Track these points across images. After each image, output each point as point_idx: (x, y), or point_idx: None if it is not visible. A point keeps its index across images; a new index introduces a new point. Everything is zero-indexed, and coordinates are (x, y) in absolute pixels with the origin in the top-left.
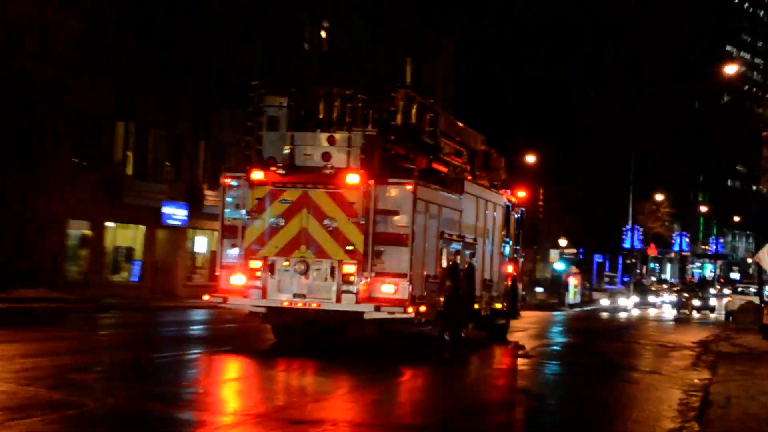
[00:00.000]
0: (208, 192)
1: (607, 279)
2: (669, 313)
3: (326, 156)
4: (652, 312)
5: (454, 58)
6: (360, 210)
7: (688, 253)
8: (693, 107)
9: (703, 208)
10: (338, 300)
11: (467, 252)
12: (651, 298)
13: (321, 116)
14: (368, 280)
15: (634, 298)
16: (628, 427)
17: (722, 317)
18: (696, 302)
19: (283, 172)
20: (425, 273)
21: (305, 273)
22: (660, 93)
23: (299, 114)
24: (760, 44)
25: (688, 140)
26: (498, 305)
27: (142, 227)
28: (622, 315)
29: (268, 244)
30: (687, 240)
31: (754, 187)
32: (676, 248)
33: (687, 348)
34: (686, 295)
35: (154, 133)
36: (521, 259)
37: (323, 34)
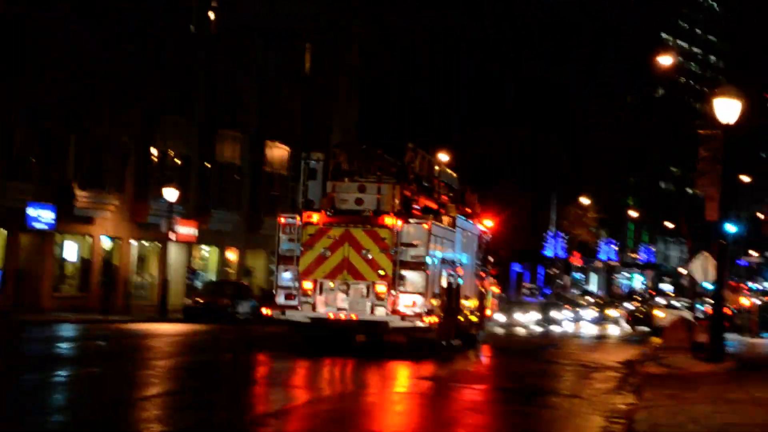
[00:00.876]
0: (79, 192)
1: (526, 291)
2: (590, 328)
3: (359, 201)
4: (557, 330)
5: (358, 49)
6: (390, 243)
7: (615, 263)
8: (624, 101)
9: (633, 214)
10: (372, 312)
11: (455, 274)
12: (554, 314)
13: (348, 167)
14: (395, 297)
15: (534, 315)
16: None
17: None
18: (611, 313)
19: (330, 213)
20: (434, 292)
21: (346, 292)
22: (592, 84)
23: (334, 166)
24: (698, 32)
25: (618, 138)
26: (474, 318)
27: (3, 231)
28: (539, 331)
29: (318, 269)
30: (615, 248)
31: (689, 191)
32: (603, 257)
33: (611, 369)
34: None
35: (18, 126)
36: (488, 278)
37: (211, 15)
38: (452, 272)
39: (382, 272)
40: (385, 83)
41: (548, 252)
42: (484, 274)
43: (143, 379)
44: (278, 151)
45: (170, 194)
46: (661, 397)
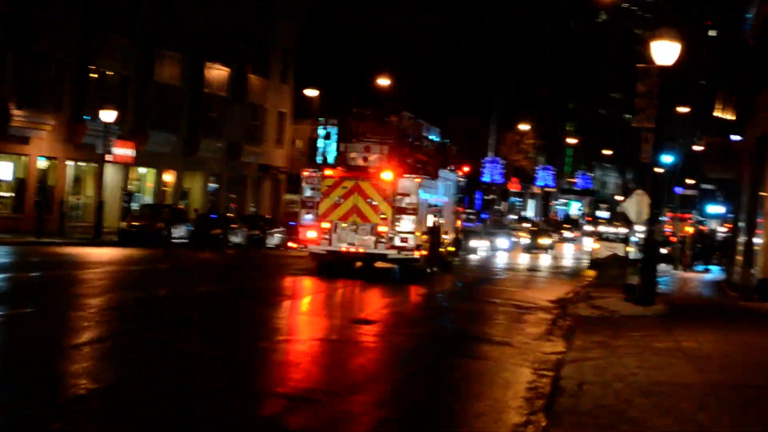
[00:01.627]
0: (15, 111)
1: (463, 216)
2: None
3: (365, 159)
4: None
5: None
6: (389, 193)
7: (553, 189)
8: (567, 26)
9: (572, 140)
10: (375, 247)
11: (437, 215)
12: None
13: (355, 132)
14: (392, 235)
15: (484, 242)
16: (468, 422)
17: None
18: (546, 242)
19: (343, 169)
20: (422, 230)
21: (355, 231)
22: (534, 10)
23: (345, 130)
24: None
25: (545, 63)
26: (451, 249)
27: None
28: (473, 258)
29: (333, 213)
30: (552, 174)
31: (626, 116)
32: (541, 183)
33: (543, 309)
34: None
35: None
36: (463, 216)
37: None
38: (436, 213)
39: (383, 216)
40: (329, 2)
41: (486, 177)
42: (459, 211)
43: (76, 322)
44: (218, 72)
45: (107, 115)
46: (590, 345)
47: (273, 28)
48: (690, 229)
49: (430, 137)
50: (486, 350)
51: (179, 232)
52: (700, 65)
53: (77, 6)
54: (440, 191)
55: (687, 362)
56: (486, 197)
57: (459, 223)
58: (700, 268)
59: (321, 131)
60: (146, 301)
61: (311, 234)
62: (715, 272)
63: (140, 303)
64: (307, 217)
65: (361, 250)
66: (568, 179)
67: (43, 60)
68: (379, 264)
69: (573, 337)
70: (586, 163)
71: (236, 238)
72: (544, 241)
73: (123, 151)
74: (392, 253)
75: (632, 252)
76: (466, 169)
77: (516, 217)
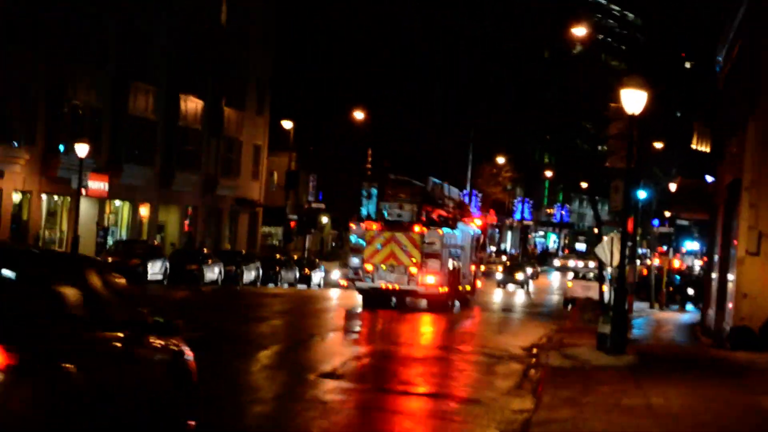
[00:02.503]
0: None
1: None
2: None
3: (399, 215)
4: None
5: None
6: (418, 242)
7: (530, 222)
8: (542, 56)
9: (549, 173)
10: (407, 284)
11: (456, 259)
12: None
13: (391, 193)
14: (422, 275)
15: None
16: None
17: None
18: (520, 277)
19: (382, 223)
20: (446, 271)
21: (392, 271)
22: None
23: (384, 191)
24: None
25: (535, 94)
26: (468, 288)
27: None
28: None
29: (375, 257)
30: (530, 207)
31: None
32: (518, 216)
33: (514, 358)
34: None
35: None
36: (478, 262)
37: None
38: (456, 259)
39: (414, 260)
40: (303, 34)
41: None
42: (476, 259)
43: None
44: (193, 105)
45: (81, 149)
46: (559, 403)
47: (248, 60)
48: (677, 263)
49: (452, 195)
50: (455, 409)
51: (155, 268)
52: (676, 97)
53: (50, 38)
54: (459, 239)
55: (654, 423)
56: None
57: (473, 267)
58: (676, 306)
59: (364, 192)
60: None
61: (357, 272)
62: (690, 310)
63: None
64: (354, 260)
65: (396, 287)
66: (547, 211)
67: (15, 93)
68: (410, 298)
69: (542, 393)
70: (564, 196)
71: (212, 274)
72: (519, 275)
73: (98, 184)
74: (421, 290)
75: (606, 292)
76: (479, 222)
77: (494, 249)
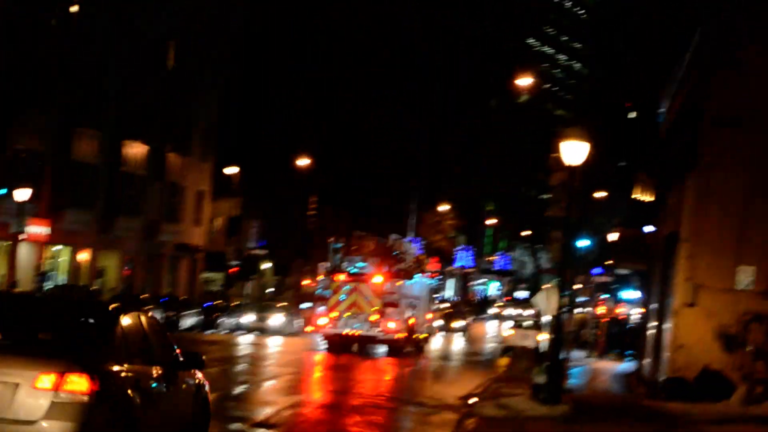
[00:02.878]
0: None
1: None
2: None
3: (361, 268)
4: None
5: (226, 45)
6: (378, 292)
7: (471, 269)
8: (487, 105)
9: (491, 221)
10: (368, 331)
11: (414, 308)
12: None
13: (356, 248)
14: (382, 323)
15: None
16: None
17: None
18: (458, 324)
19: (346, 274)
20: (404, 318)
21: (355, 319)
22: (452, 86)
23: (348, 246)
24: (564, 38)
25: (481, 142)
26: (423, 335)
27: None
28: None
29: (339, 306)
30: (472, 254)
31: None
32: (460, 263)
33: (450, 408)
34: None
35: None
36: (432, 310)
37: (74, 9)
38: (413, 308)
39: (376, 308)
40: (250, 80)
41: None
42: (431, 308)
43: None
44: (136, 150)
45: (22, 193)
46: None
47: (194, 105)
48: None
49: (409, 250)
50: None
51: None
52: (620, 147)
53: None
54: (416, 290)
55: None
56: None
57: (429, 316)
58: (614, 354)
59: (332, 246)
60: None
61: (323, 321)
62: (627, 359)
63: None
64: (321, 309)
65: (358, 333)
66: (488, 259)
67: None
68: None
69: None
70: (506, 244)
71: None
72: (457, 323)
73: (38, 229)
74: (381, 336)
75: (543, 343)
76: (434, 273)
77: (437, 296)
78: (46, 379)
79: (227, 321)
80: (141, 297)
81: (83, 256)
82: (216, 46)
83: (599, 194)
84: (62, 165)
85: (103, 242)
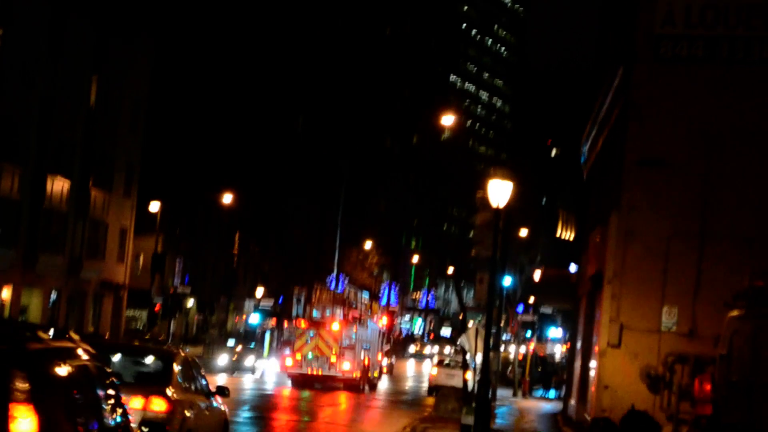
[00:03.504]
0: None
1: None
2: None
3: (322, 315)
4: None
5: (149, 76)
6: (337, 336)
7: (395, 308)
8: (410, 142)
9: (415, 258)
10: (329, 371)
11: (368, 350)
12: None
13: (318, 297)
14: (340, 363)
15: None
16: None
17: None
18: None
19: (310, 322)
20: (359, 359)
21: (317, 360)
22: (375, 123)
23: (310, 297)
24: (486, 75)
25: (405, 179)
26: (375, 374)
27: None
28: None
29: (303, 348)
30: (396, 291)
31: (471, 234)
32: (384, 301)
33: None
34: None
35: None
36: (383, 351)
37: None
38: (366, 349)
39: (333, 350)
40: (173, 118)
41: None
42: (382, 348)
43: None
44: (59, 186)
45: None
46: None
47: (116, 141)
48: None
49: (364, 299)
50: None
51: None
52: (542, 185)
53: None
54: (369, 334)
55: None
56: None
57: (380, 357)
58: (539, 393)
59: (294, 298)
60: None
61: (290, 362)
62: (553, 397)
63: None
64: (287, 350)
65: (320, 372)
66: (413, 296)
67: None
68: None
69: None
70: (430, 281)
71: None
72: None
73: None
74: (339, 375)
75: (470, 381)
76: (385, 320)
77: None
78: (137, 401)
79: None
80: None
81: (5, 293)
82: (134, 83)
83: (522, 232)
84: None
85: (26, 279)
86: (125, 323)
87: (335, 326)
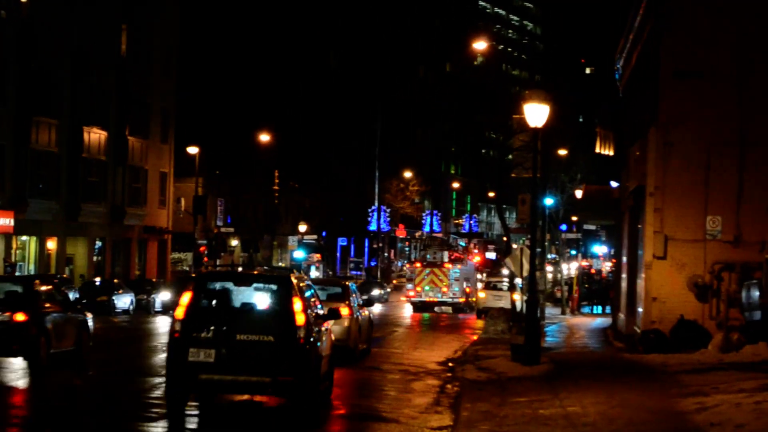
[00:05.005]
0: None
1: (352, 264)
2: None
3: (434, 257)
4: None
5: (178, 21)
6: (446, 273)
7: (439, 234)
8: (444, 70)
9: (456, 184)
10: (442, 298)
11: (467, 281)
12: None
13: (429, 243)
14: (450, 292)
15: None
16: None
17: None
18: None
19: (425, 263)
20: (462, 289)
21: (432, 291)
22: (407, 54)
23: (425, 243)
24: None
25: (441, 107)
26: (473, 299)
27: None
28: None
29: (421, 283)
30: (438, 219)
31: (510, 156)
32: (427, 228)
33: (431, 374)
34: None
35: None
36: (475, 282)
37: None
38: (466, 280)
39: (444, 283)
40: (206, 61)
41: (372, 226)
42: (476, 281)
43: None
44: (96, 136)
45: None
46: (478, 417)
47: (150, 88)
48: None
49: (461, 244)
50: (376, 429)
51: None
52: (579, 103)
53: None
54: (467, 271)
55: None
56: (373, 246)
57: (475, 288)
58: (588, 309)
59: (412, 245)
60: None
61: (412, 292)
62: (603, 314)
63: None
64: (410, 285)
65: (435, 299)
66: (455, 222)
67: None
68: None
69: (460, 410)
70: (472, 206)
71: (123, 304)
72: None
73: (2, 221)
74: (449, 300)
75: (518, 302)
76: (477, 259)
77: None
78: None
79: None
80: (112, 281)
81: (51, 244)
82: (164, 29)
83: (561, 151)
84: (23, 155)
85: (70, 229)
86: (171, 266)
87: (445, 266)
